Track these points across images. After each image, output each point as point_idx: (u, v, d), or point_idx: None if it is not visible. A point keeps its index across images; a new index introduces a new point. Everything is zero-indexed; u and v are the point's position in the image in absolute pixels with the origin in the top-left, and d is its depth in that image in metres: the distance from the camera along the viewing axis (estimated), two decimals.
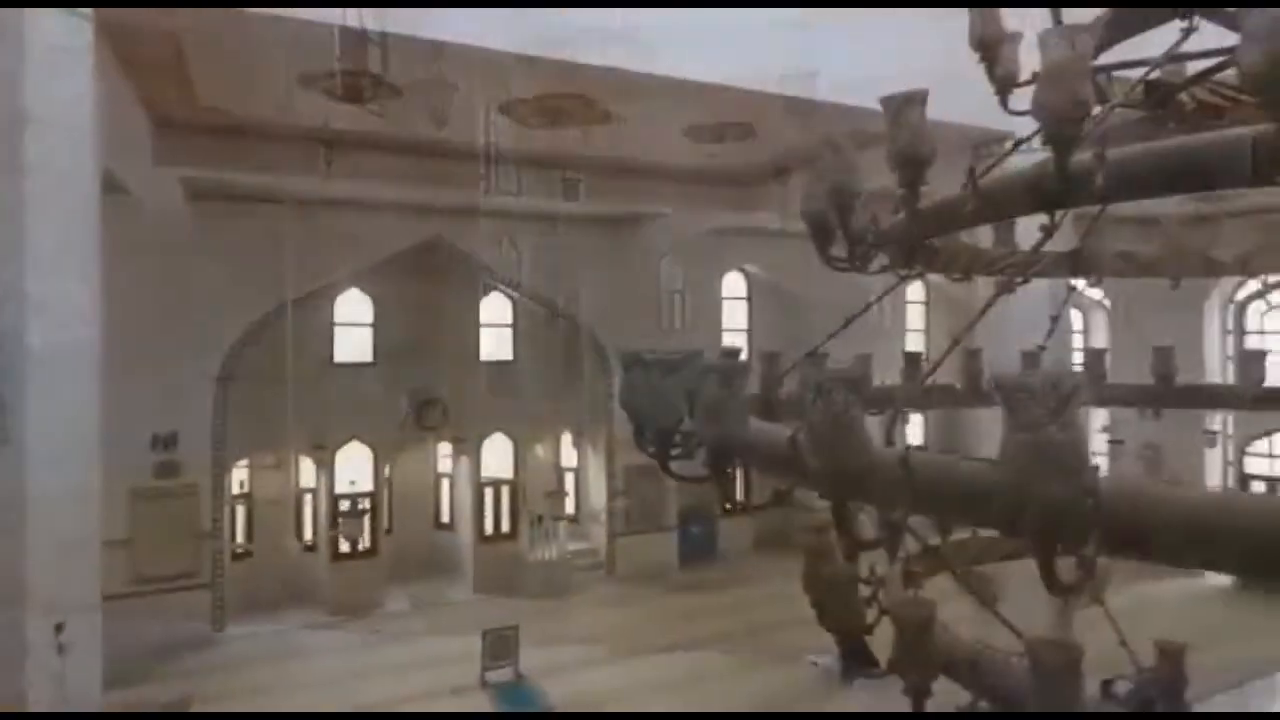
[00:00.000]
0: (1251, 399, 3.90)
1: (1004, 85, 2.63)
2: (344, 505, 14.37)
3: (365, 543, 14.38)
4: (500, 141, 10.49)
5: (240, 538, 14.99)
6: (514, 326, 17.34)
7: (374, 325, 16.29)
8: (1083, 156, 1.70)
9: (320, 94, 8.57)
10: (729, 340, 18.63)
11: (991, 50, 2.59)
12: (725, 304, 18.78)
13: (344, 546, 13.77)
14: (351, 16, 5.50)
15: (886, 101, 1.88)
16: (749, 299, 19.35)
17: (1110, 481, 1.12)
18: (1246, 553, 1.07)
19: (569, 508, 16.13)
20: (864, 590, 2.15)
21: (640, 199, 13.31)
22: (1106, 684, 2.22)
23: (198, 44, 7.12)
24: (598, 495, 17.50)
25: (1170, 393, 4.04)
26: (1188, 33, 2.23)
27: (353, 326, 16.14)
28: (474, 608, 14.91)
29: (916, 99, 1.86)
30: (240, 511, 14.99)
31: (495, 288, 16.65)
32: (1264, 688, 11.03)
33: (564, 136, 9.78)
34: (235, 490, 14.82)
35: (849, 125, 8.11)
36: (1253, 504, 1.07)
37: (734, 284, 19.03)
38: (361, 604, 14.68)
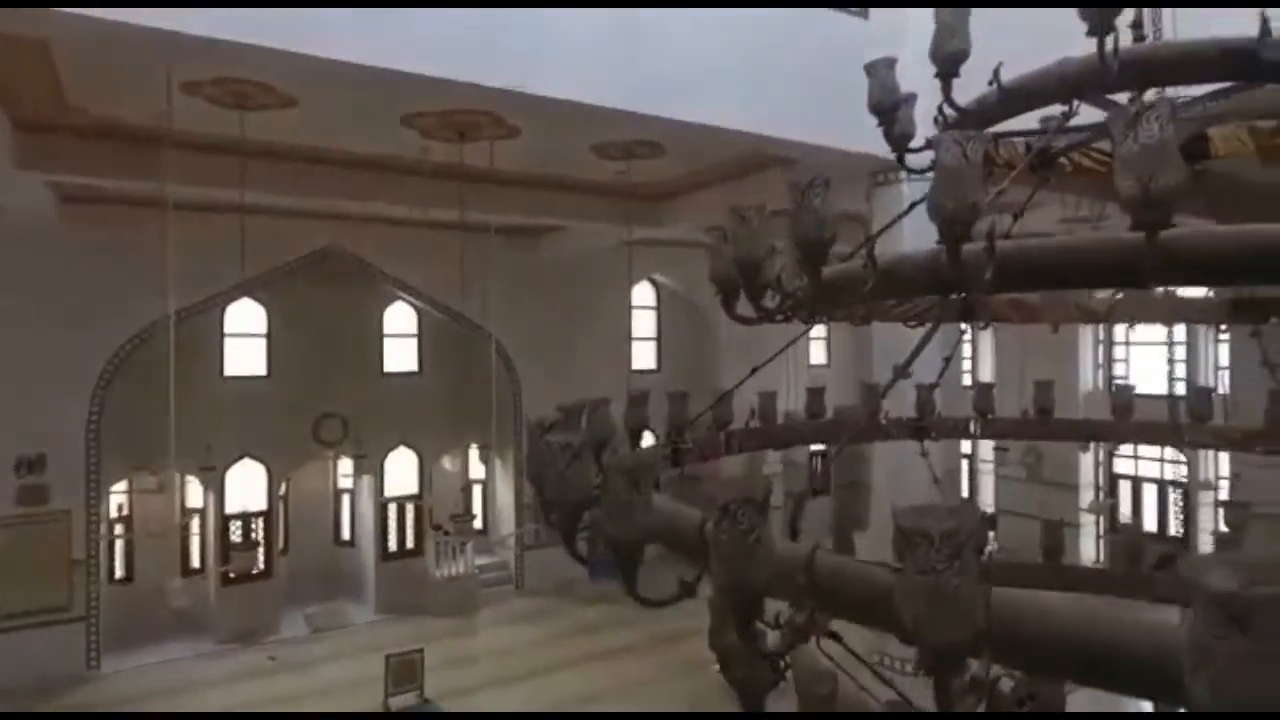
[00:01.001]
0: (1123, 433, 4.22)
1: (900, 145, 2.75)
2: (235, 533, 13.63)
3: (259, 565, 13.69)
4: (404, 152, 10.19)
5: (119, 565, 14.03)
6: (419, 337, 16.89)
7: (268, 336, 15.53)
8: (975, 247, 1.77)
9: (204, 100, 8.12)
10: (638, 351, 18.74)
11: (889, 114, 2.71)
12: (634, 313, 18.87)
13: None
14: (242, 27, 5.20)
15: (792, 185, 1.91)
16: (657, 308, 19.53)
17: (1000, 597, 1.17)
18: (1124, 674, 1.13)
19: (476, 524, 15.82)
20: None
21: (548, 211, 13.21)
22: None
23: (66, 47, 6.59)
24: (506, 508, 17.26)
25: (1052, 425, 4.34)
26: (1068, 115, 2.41)
27: (245, 337, 15.34)
28: (377, 629, 14.43)
29: (820, 183, 1.89)
30: (119, 538, 14.03)
31: (400, 297, 16.19)
32: None
33: (470, 149, 9.59)
34: (113, 514, 13.86)
35: (750, 148, 8.26)
36: (1130, 623, 1.12)
37: (643, 293, 19.15)
38: (255, 630, 13.98)
